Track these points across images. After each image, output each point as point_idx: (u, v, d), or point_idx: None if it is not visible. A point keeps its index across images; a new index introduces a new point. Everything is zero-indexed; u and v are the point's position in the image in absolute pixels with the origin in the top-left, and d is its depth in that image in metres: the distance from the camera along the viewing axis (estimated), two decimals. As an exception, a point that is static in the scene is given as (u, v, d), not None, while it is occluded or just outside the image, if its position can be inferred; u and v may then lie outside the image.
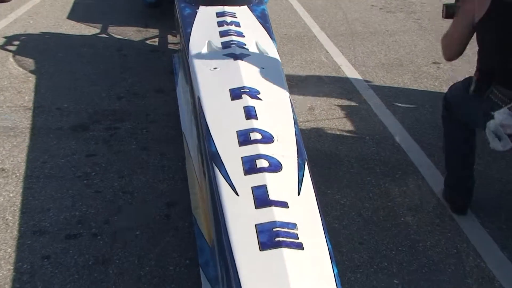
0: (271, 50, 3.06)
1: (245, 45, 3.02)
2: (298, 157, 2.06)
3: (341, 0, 7.41)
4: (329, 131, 3.59)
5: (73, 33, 5.42)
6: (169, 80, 4.29)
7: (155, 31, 5.56)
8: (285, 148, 2.10)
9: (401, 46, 5.50)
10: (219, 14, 3.50)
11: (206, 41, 3.11)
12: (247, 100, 2.37)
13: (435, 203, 2.86)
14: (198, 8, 3.64)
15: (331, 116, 3.81)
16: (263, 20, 3.57)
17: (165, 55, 4.90)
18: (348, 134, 3.57)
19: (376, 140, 3.50)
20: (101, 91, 4.06)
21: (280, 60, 2.97)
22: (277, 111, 2.40)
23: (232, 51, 2.90)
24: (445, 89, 4.45)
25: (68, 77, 4.32)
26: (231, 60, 2.79)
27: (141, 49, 5.03)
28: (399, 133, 3.61)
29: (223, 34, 3.16)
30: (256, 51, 3.04)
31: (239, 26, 3.31)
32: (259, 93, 2.47)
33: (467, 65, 4.41)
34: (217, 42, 3.07)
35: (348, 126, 3.68)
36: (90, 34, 5.42)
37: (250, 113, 2.26)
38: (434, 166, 3.21)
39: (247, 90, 2.46)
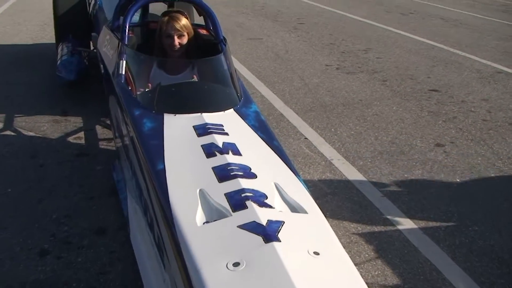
0: (306, 201, 1.89)
1: (266, 198, 1.83)
2: None
3: (291, 61, 6.41)
4: (368, 290, 2.42)
5: (-36, 133, 3.96)
6: (111, 207, 2.97)
7: (78, 121, 4.21)
8: None
9: (387, 123, 4.52)
10: (201, 130, 2.28)
11: (197, 191, 1.88)
12: None
13: None
14: (162, 118, 2.40)
15: (359, 259, 2.67)
16: (264, 132, 2.40)
17: (97, 160, 3.56)
18: (396, 293, 2.43)
19: (440, 300, 2.38)
20: (13, 242, 2.66)
21: (325, 219, 1.81)
22: None
23: (253, 217, 1.69)
24: (473, 188, 3.41)
25: (-42, 217, 2.87)
26: (261, 244, 1.57)
27: (62, 153, 3.65)
28: (461, 282, 2.52)
29: (222, 175, 1.95)
30: (286, 207, 1.85)
31: (239, 154, 2.12)
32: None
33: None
34: (218, 194, 1.85)
35: (389, 275, 2.55)
36: (-11, 132, 3.97)
37: None
38: None
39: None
